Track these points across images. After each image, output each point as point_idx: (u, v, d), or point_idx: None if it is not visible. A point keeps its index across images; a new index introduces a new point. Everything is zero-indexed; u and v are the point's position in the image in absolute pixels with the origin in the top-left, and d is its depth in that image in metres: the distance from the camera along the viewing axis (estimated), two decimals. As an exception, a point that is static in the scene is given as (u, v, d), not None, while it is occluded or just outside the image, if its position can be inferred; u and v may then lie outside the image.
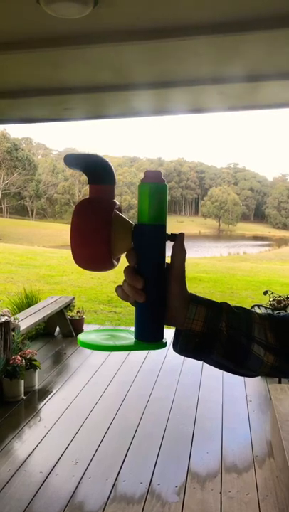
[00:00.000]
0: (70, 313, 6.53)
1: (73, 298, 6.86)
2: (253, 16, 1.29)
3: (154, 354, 5.30)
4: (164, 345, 0.71)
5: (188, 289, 0.72)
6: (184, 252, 0.71)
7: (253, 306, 6.35)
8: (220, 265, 16.77)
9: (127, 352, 4.83)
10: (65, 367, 5.36)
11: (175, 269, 0.70)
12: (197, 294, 0.73)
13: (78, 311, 6.66)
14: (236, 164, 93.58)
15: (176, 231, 0.71)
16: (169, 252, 0.72)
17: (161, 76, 1.94)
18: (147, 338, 0.72)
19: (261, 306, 6.40)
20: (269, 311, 6.20)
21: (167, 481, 3.12)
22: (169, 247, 0.71)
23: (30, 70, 1.87)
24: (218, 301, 0.74)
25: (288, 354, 0.71)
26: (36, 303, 6.70)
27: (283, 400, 3.49)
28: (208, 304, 0.71)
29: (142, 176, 0.71)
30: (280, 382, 4.05)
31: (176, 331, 0.73)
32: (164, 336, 0.72)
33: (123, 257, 0.72)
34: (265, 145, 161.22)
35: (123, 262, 0.73)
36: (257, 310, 6.06)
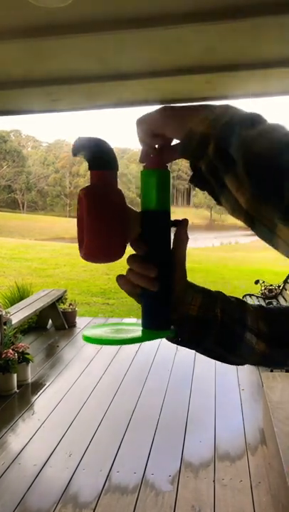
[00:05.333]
0: (62, 306, 6.53)
1: (65, 291, 6.85)
2: (240, 4, 1.28)
3: (147, 346, 5.31)
4: (174, 332, 0.69)
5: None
6: (187, 238, 0.71)
7: (245, 296, 6.39)
8: (212, 255, 16.81)
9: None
10: (58, 360, 5.36)
11: (178, 254, 0.71)
12: (194, 283, 0.73)
13: (71, 304, 6.66)
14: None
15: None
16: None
17: (148, 65, 1.92)
18: (159, 326, 0.69)
19: (253, 295, 6.44)
20: (260, 300, 6.24)
21: (161, 471, 3.15)
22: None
23: (15, 60, 1.84)
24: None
25: (278, 343, 0.73)
26: (28, 296, 6.68)
27: (275, 387, 3.52)
28: (204, 292, 0.72)
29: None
30: (271, 371, 4.08)
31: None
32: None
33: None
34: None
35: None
36: (248, 299, 6.09)
